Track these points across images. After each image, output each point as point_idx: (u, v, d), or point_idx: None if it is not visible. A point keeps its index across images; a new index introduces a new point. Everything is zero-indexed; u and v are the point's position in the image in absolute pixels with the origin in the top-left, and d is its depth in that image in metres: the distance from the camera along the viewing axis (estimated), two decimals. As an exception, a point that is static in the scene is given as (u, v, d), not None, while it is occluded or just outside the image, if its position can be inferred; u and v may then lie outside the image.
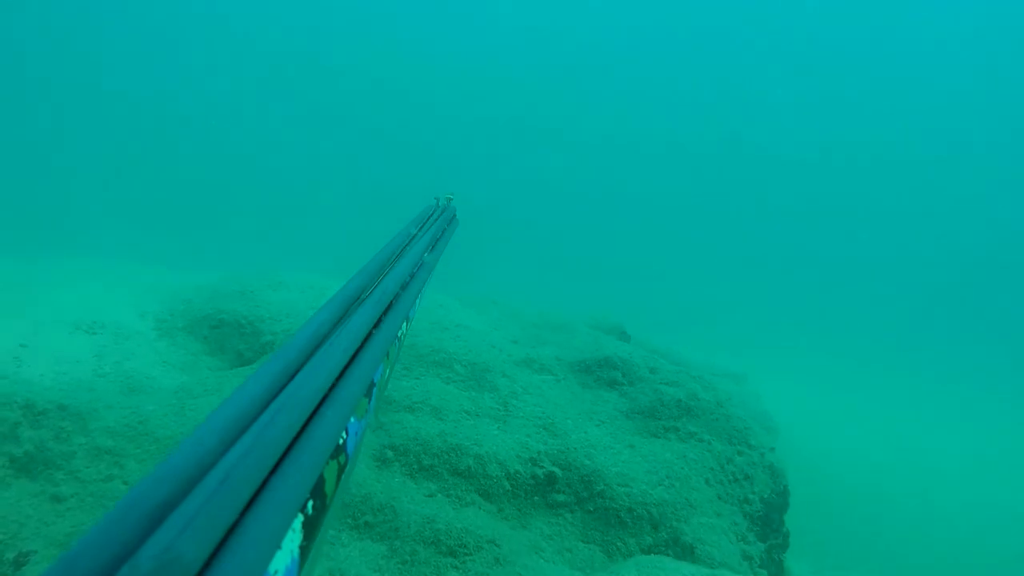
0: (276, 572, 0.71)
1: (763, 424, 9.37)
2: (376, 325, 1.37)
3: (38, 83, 30.90)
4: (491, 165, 40.65)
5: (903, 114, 44.33)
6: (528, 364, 5.62)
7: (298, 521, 0.79)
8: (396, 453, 4.36)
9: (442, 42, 46.22)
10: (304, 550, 0.81)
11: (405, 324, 1.70)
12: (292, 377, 0.97)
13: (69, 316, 5.66)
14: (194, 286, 6.66)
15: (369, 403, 1.25)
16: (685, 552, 4.20)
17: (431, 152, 39.38)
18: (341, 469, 0.99)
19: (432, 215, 2.71)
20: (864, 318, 29.29)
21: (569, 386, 5.52)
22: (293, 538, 0.77)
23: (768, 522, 4.83)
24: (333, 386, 1.04)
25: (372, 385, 1.27)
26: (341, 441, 1.00)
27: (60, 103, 30.23)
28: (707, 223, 38.79)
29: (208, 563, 0.60)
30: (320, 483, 0.89)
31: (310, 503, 0.84)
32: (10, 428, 4.04)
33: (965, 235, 39.63)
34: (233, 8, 41.49)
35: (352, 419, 1.07)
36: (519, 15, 47.05)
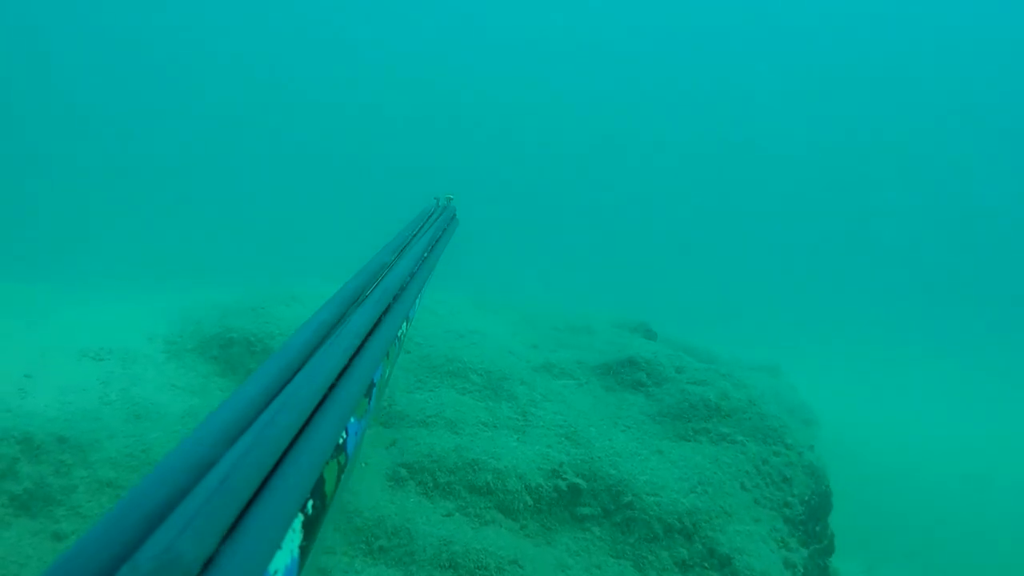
0: (276, 572, 0.71)
1: (801, 416, 9.05)
2: (376, 325, 1.38)
3: (37, 100, 31.04)
4: (504, 164, 40.24)
5: (935, 97, 43.34)
6: (548, 369, 5.37)
7: (298, 521, 0.80)
8: (410, 471, 4.15)
9: (450, 43, 45.93)
10: (304, 550, 0.81)
11: (405, 324, 1.74)
12: (292, 377, 0.99)
13: (76, 342, 5.53)
14: (206, 305, 6.51)
15: (369, 403, 1.27)
16: (722, 563, 3.92)
17: (444, 152, 39.06)
18: (341, 469, 1.00)
19: (432, 215, 2.77)
20: (899, 303, 28.54)
21: (592, 390, 5.27)
22: (293, 538, 0.78)
23: (810, 525, 4.54)
24: (333, 386, 1.05)
25: (372, 385, 1.29)
26: (341, 441, 1.01)
27: (59, 118, 30.30)
28: (731, 214, 38.13)
29: (208, 563, 0.60)
30: (320, 483, 0.90)
31: (310, 503, 0.85)
32: (9, 465, 3.90)
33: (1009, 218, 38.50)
34: (230, 13, 41.33)
35: (352, 419, 1.08)
36: (527, 14, 46.63)
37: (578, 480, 4.18)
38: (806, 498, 4.59)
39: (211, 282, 8.18)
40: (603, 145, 42.79)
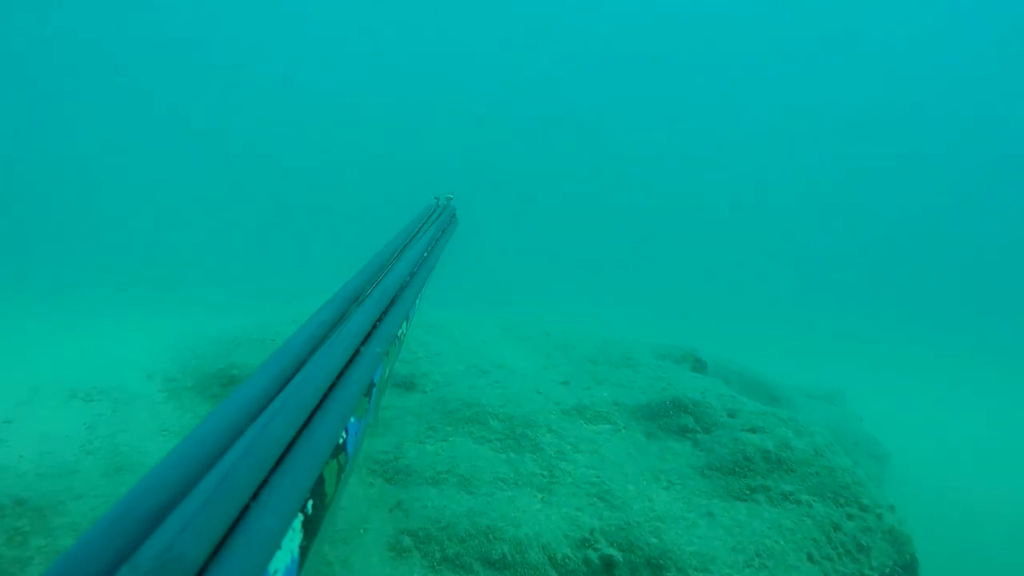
0: (276, 572, 0.72)
1: (869, 451, 8.21)
2: (376, 325, 1.41)
3: (37, 116, 31.18)
4: (524, 171, 39.41)
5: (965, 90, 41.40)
6: (580, 412, 4.73)
7: (298, 521, 0.81)
8: (415, 540, 3.55)
9: (472, 42, 45.21)
10: (304, 549, 0.82)
11: (405, 324, 1.75)
12: (292, 377, 1.01)
13: (68, 381, 5.11)
14: (213, 337, 6.06)
15: (369, 403, 1.34)
16: (787, 657, 3.23)
17: (459, 162, 38.38)
18: (341, 469, 1.04)
19: (432, 215, 2.78)
20: (965, 316, 26.84)
21: (630, 437, 4.61)
22: (293, 537, 0.79)
23: (893, 604, 3.80)
24: (333, 386, 1.08)
25: (372, 385, 1.33)
26: (341, 441, 1.04)
27: (60, 133, 30.34)
28: (773, 221, 36.63)
29: (208, 562, 0.61)
30: (320, 483, 0.91)
31: (310, 503, 0.86)
32: (-43, 533, 3.43)
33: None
34: (225, 22, 41.13)
35: (352, 419, 1.12)
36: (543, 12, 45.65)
37: (612, 551, 3.53)
38: (888, 571, 3.85)
39: (227, 303, 7.80)
40: (635, 154, 41.73)
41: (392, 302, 1.61)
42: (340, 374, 1.11)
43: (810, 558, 3.74)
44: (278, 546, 0.73)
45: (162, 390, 5.26)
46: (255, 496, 0.73)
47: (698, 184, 39.07)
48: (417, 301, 1.99)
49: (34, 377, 5.16)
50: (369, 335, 1.34)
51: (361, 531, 3.71)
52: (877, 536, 3.92)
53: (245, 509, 0.70)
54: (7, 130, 27.52)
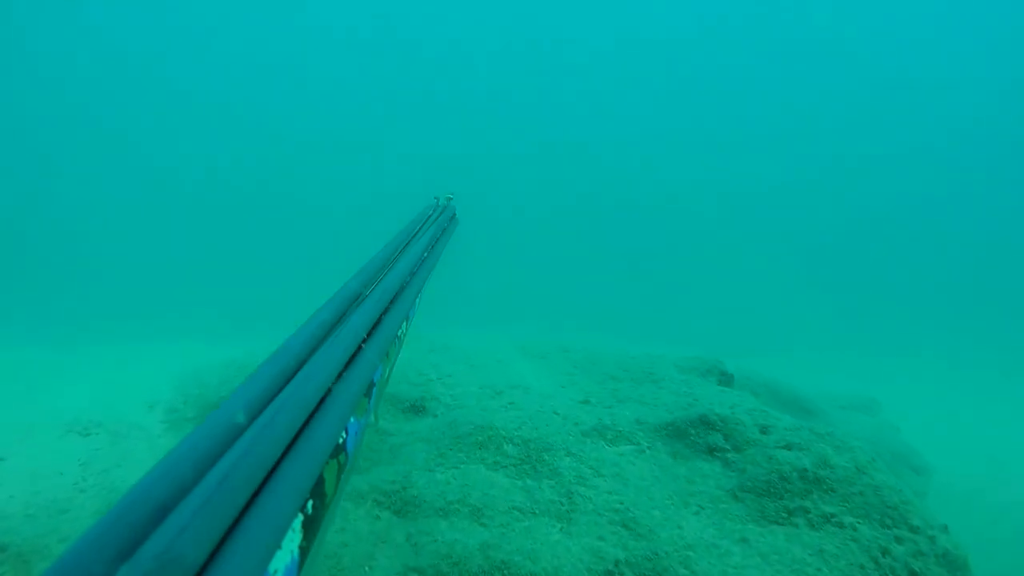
0: (276, 571, 0.72)
1: (909, 463, 7.80)
2: (376, 325, 1.41)
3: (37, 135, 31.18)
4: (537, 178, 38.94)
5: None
6: (601, 433, 4.43)
7: (298, 521, 0.81)
8: (424, 578, 3.27)
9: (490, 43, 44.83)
10: (304, 549, 0.82)
11: (405, 324, 1.78)
12: (292, 376, 0.99)
13: (65, 415, 4.91)
14: (219, 364, 5.85)
15: (369, 402, 1.31)
16: None
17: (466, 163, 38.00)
18: (341, 468, 1.04)
19: (432, 215, 2.75)
20: (1011, 320, 25.93)
21: (655, 458, 4.30)
22: (293, 537, 0.78)
23: (951, 635, 3.45)
24: (333, 385, 1.07)
25: (372, 385, 1.32)
26: (341, 440, 1.04)
27: (62, 157, 30.31)
28: (794, 228, 35.85)
29: (208, 563, 0.61)
30: (320, 483, 0.91)
31: (310, 503, 0.86)
32: (-66, 585, 3.21)
33: None
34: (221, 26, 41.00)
35: (352, 419, 1.12)
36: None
37: (639, 585, 3.23)
38: (943, 599, 3.50)
39: (235, 330, 7.59)
40: (651, 160, 41.17)
41: (392, 302, 1.60)
42: (340, 374, 1.11)
43: (858, 587, 3.41)
44: (278, 546, 0.73)
45: (163, 421, 5.04)
46: (255, 496, 0.73)
47: (715, 189, 38.48)
48: (417, 301, 1.98)
49: (32, 412, 4.97)
50: (369, 335, 1.33)
51: (367, 569, 3.44)
52: (930, 560, 3.58)
53: (245, 509, 0.70)
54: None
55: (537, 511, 3.63)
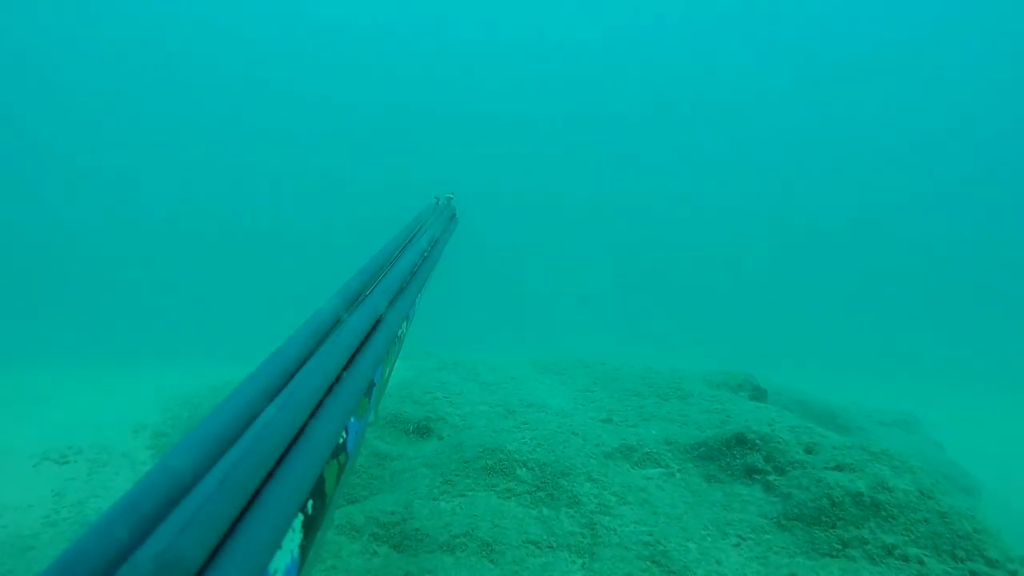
0: (276, 571, 0.72)
1: (957, 483, 7.26)
2: (376, 324, 1.40)
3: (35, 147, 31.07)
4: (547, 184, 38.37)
5: None
6: (626, 455, 3.97)
7: (298, 521, 0.80)
8: (425, 626, 2.83)
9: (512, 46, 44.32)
10: (304, 549, 0.82)
11: (405, 323, 1.80)
12: (292, 376, 0.98)
13: (42, 441, 4.53)
14: (210, 387, 5.46)
15: (369, 402, 1.31)
16: None
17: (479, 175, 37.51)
18: (341, 468, 1.04)
19: (432, 215, 2.73)
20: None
21: (687, 482, 3.84)
22: (293, 537, 0.78)
23: None
24: (333, 385, 1.06)
25: (372, 385, 1.32)
26: (341, 440, 1.05)
27: (56, 177, 30.24)
28: (827, 232, 35.03)
29: (208, 562, 0.61)
30: (320, 483, 0.90)
31: (310, 503, 0.86)
32: None
33: None
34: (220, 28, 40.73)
35: (352, 419, 1.12)
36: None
37: (675, 632, 2.77)
38: (1029, 645, 3.01)
39: (232, 353, 7.21)
40: (671, 167, 40.54)
41: (392, 302, 1.59)
42: (340, 373, 1.11)
43: (929, 631, 2.94)
44: (278, 546, 0.72)
45: (149, 447, 4.65)
46: (255, 496, 0.72)
47: (743, 200, 37.83)
48: (418, 301, 1.97)
49: (8, 437, 4.60)
50: (369, 335, 1.33)
51: (361, 615, 3.01)
52: (1012, 600, 3.09)
53: (245, 509, 0.70)
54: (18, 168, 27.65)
55: (555, 545, 3.18)
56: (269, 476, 0.76)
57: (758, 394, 5.80)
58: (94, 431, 4.73)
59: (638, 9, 44.77)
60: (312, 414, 0.93)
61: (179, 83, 37.54)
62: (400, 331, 1.67)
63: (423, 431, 4.41)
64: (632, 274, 28.69)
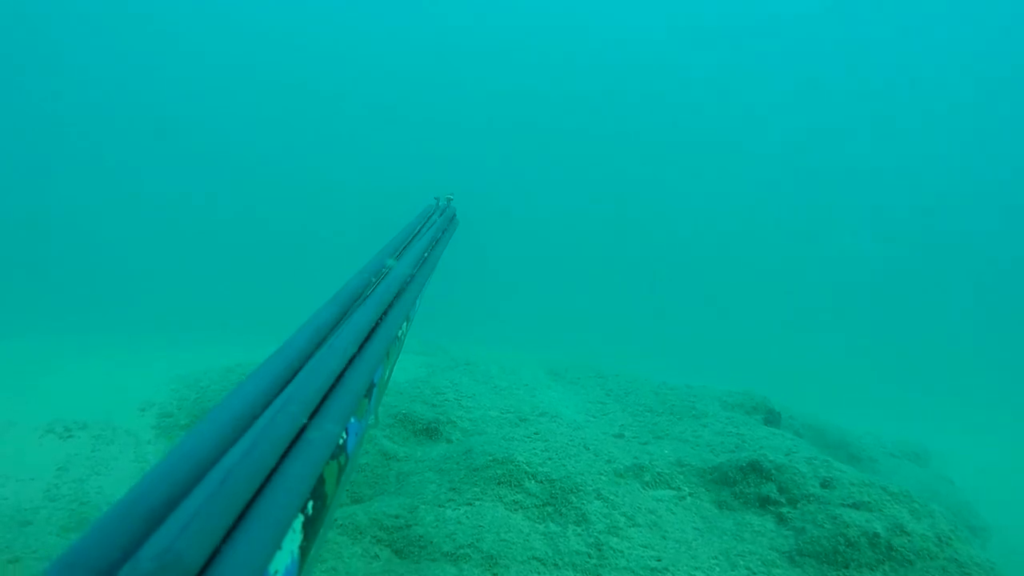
0: (276, 572, 0.72)
1: (967, 523, 7.12)
2: (376, 325, 1.39)
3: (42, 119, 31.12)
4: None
5: None
6: (637, 474, 3.89)
7: (298, 521, 0.80)
8: (424, 638, 2.77)
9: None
10: (304, 550, 0.82)
11: (406, 324, 1.78)
12: (292, 377, 0.99)
13: (48, 412, 4.49)
14: (221, 368, 5.42)
15: (369, 403, 1.30)
16: None
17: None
18: (341, 469, 1.03)
19: (432, 215, 2.73)
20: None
21: (698, 507, 3.75)
22: (293, 538, 0.78)
23: None
24: (333, 386, 1.04)
25: (372, 385, 1.31)
26: (341, 442, 1.04)
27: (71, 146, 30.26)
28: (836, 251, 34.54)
29: (209, 563, 0.61)
30: (320, 483, 0.91)
31: (310, 503, 0.86)
32: None
33: None
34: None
35: (352, 420, 1.11)
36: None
37: (678, 666, 2.69)
38: None
39: (245, 334, 7.16)
40: (684, 179, 40.11)
41: (393, 302, 1.58)
42: (341, 374, 1.08)
43: None
44: (278, 546, 0.72)
45: (154, 427, 4.61)
46: (255, 496, 0.72)
47: (763, 219, 37.41)
48: (418, 301, 1.97)
49: (13, 407, 4.57)
50: (370, 335, 1.31)
51: (358, 622, 2.95)
52: (1028, 657, 2.99)
53: (245, 509, 0.69)
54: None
55: (560, 563, 3.11)
56: (269, 477, 0.76)
57: (772, 418, 5.70)
58: (100, 407, 4.69)
59: (642, 8, 44.27)
60: (312, 415, 0.93)
61: (200, 69, 37.65)
62: (400, 331, 1.67)
63: (432, 433, 4.34)
64: (652, 281, 28.50)
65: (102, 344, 6.44)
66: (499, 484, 3.56)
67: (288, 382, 0.96)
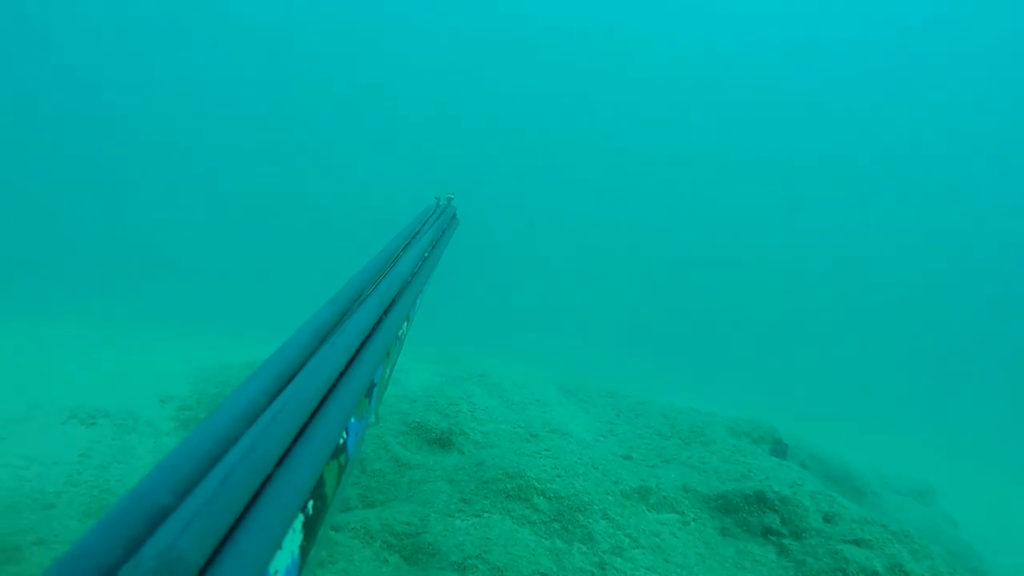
0: (276, 572, 0.73)
1: (967, 564, 7.13)
2: (377, 325, 1.40)
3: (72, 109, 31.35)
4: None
5: None
6: (643, 497, 3.96)
7: (298, 521, 0.81)
8: (429, 646, 2.85)
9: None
10: (304, 550, 0.82)
11: (406, 324, 1.80)
12: (293, 377, 0.99)
13: (72, 399, 4.61)
14: (241, 364, 5.53)
15: (370, 403, 1.31)
16: None
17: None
18: (341, 469, 1.04)
19: (433, 215, 2.74)
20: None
21: (701, 533, 3.82)
22: (293, 538, 0.79)
23: None
24: (334, 386, 1.06)
25: (372, 385, 1.33)
26: (341, 441, 1.04)
27: (100, 133, 30.47)
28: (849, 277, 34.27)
29: (209, 562, 0.61)
30: (320, 483, 0.91)
31: (310, 503, 0.86)
32: None
33: None
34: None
35: (352, 419, 1.12)
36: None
37: None
38: None
39: (268, 330, 7.26)
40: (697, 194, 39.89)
41: (393, 302, 1.59)
42: (341, 374, 1.10)
43: None
44: (279, 546, 0.72)
45: (173, 419, 4.72)
46: (256, 496, 0.72)
47: (778, 245, 37.20)
48: (418, 301, 1.98)
49: (38, 391, 4.70)
50: (370, 335, 1.32)
51: (365, 626, 3.04)
52: None
53: (246, 509, 0.70)
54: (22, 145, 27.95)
55: (564, 581, 3.19)
56: (270, 477, 0.77)
57: (779, 448, 5.75)
58: (122, 396, 4.81)
59: (642, 8, 44.09)
60: (313, 415, 0.94)
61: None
62: (401, 331, 1.67)
63: (445, 443, 4.43)
64: (664, 300, 28.45)
65: (128, 334, 6.58)
66: (508, 498, 3.65)
67: (289, 382, 0.96)
